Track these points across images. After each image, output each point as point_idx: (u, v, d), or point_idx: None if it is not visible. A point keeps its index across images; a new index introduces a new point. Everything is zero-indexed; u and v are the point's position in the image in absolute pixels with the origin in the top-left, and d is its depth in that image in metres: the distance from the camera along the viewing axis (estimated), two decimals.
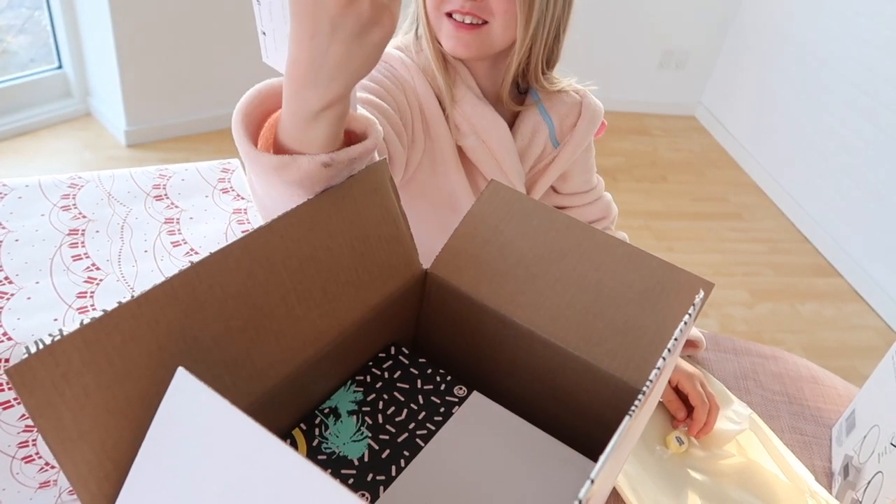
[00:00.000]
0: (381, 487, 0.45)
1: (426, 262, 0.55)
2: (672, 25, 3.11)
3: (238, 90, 0.50)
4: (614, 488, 0.69)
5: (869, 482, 0.70)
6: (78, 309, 0.56)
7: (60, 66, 2.46)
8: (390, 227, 0.51)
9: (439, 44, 0.80)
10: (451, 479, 0.46)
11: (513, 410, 0.52)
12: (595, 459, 0.48)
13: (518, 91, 0.90)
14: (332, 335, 0.46)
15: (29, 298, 0.57)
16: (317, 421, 0.49)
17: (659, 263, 0.51)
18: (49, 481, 0.59)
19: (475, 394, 0.53)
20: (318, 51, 0.40)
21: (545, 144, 0.91)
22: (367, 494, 0.45)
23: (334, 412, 0.50)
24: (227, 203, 0.72)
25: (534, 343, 0.51)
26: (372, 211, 0.49)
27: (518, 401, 0.53)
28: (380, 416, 0.50)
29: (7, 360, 0.52)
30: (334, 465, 0.46)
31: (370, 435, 0.48)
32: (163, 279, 0.37)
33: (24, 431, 0.55)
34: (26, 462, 0.57)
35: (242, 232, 0.67)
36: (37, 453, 0.57)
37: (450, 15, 0.76)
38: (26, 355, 0.31)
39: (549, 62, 0.86)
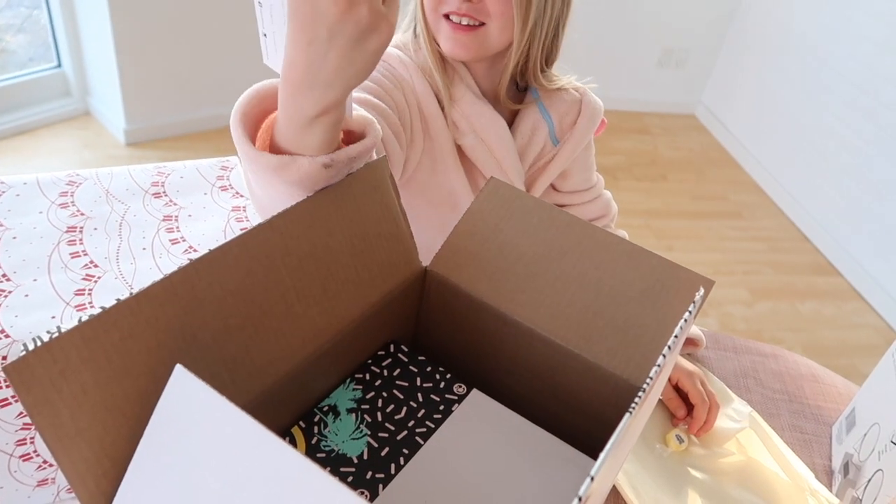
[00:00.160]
0: (381, 485, 0.45)
1: (426, 261, 0.55)
2: (672, 24, 3.11)
3: (237, 89, 0.50)
4: (614, 486, 0.69)
5: (869, 480, 0.69)
6: (76, 307, 0.56)
7: (59, 65, 2.45)
8: (390, 225, 0.51)
9: (437, 44, 0.80)
10: (451, 477, 0.46)
11: (512, 408, 0.52)
12: (595, 457, 0.48)
13: (517, 89, 0.90)
14: (332, 333, 0.46)
15: (27, 296, 0.56)
16: (316, 419, 0.49)
17: (659, 261, 0.51)
18: (47, 479, 0.59)
19: (475, 392, 0.53)
20: (316, 56, 0.40)
21: (545, 142, 0.90)
22: (366, 492, 0.45)
23: (333, 410, 0.50)
24: (225, 201, 0.72)
25: (533, 341, 0.51)
26: (372, 208, 0.49)
27: (518, 399, 0.53)
28: (379, 414, 0.50)
29: (5, 358, 0.52)
30: (333, 463, 0.46)
31: (369, 433, 0.48)
32: (161, 276, 0.36)
33: (22, 429, 0.55)
34: (24, 460, 0.57)
35: (241, 230, 0.67)
36: (35, 451, 0.57)
37: (447, 17, 0.76)
38: (24, 352, 0.31)
39: (548, 60, 0.86)
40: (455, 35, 0.77)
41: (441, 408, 0.51)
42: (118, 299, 0.34)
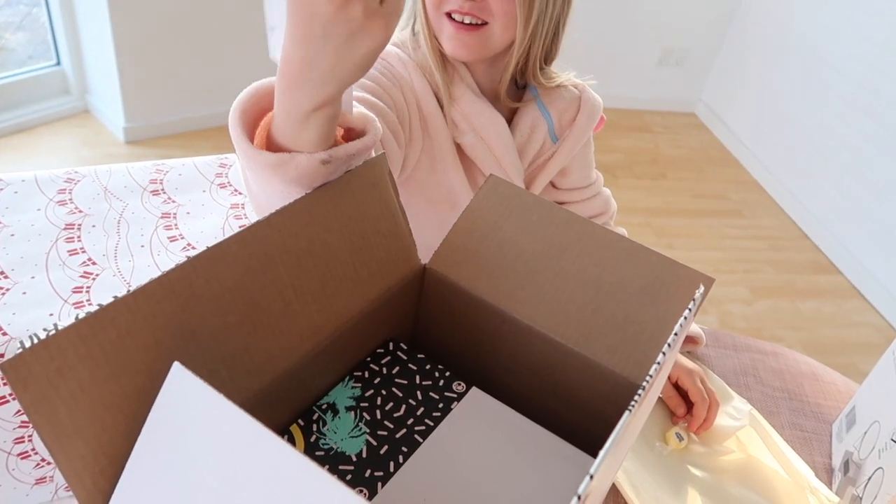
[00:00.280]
0: (380, 483, 0.45)
1: (425, 259, 0.55)
2: (673, 22, 3.11)
3: (237, 87, 0.50)
4: (614, 485, 0.69)
5: (869, 478, 0.69)
6: (74, 304, 0.56)
7: (59, 63, 2.45)
8: (389, 222, 0.50)
9: (438, 43, 0.80)
10: (450, 475, 0.46)
11: (512, 406, 0.52)
12: (594, 455, 0.48)
13: (516, 87, 0.90)
14: (330, 330, 0.46)
15: (24, 293, 0.56)
16: (315, 417, 0.49)
17: (659, 259, 0.51)
18: (45, 477, 0.59)
19: (474, 390, 0.53)
20: (311, 53, 0.40)
21: (544, 140, 0.90)
22: (364, 490, 0.45)
23: (332, 408, 0.50)
24: (224, 198, 0.72)
25: (533, 338, 0.51)
26: (370, 206, 0.49)
27: (517, 397, 0.53)
28: (378, 412, 0.50)
29: (2, 356, 0.52)
30: (332, 461, 0.46)
31: (368, 431, 0.48)
32: (159, 274, 0.36)
33: (19, 427, 0.55)
34: (22, 458, 0.56)
35: (240, 227, 0.66)
36: (33, 449, 0.57)
37: (449, 15, 0.76)
38: (21, 350, 0.31)
39: (547, 59, 0.86)
40: (458, 34, 0.76)
41: (440, 406, 0.51)
42: (115, 297, 0.34)
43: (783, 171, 2.80)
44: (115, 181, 0.71)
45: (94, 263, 0.60)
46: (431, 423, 0.49)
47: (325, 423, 0.49)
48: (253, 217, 0.69)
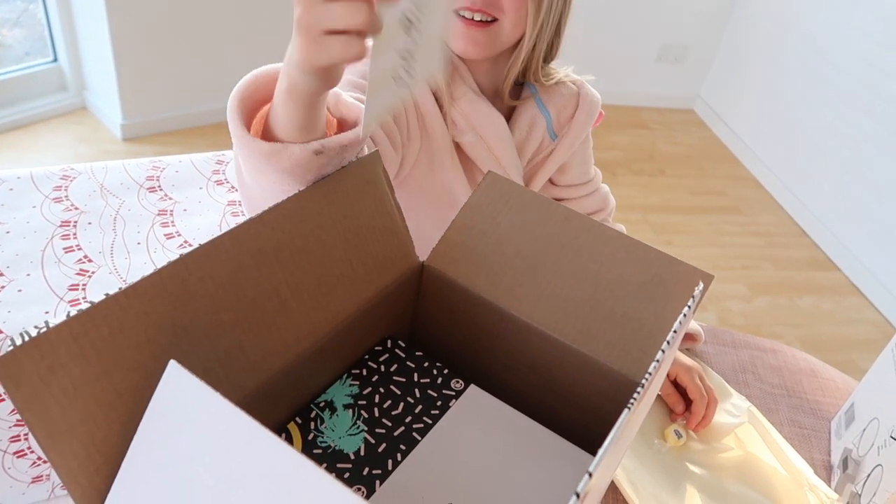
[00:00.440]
0: (377, 482, 0.45)
1: (425, 258, 0.54)
2: (671, 19, 3.10)
3: (233, 84, 0.50)
4: (612, 482, 0.69)
5: (868, 475, 0.69)
6: (70, 301, 0.56)
7: (56, 60, 2.44)
8: (385, 219, 0.50)
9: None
10: (448, 473, 0.46)
11: (510, 404, 0.51)
12: (593, 453, 0.48)
13: (515, 84, 0.89)
14: (327, 328, 0.46)
15: (20, 291, 0.56)
16: (312, 415, 0.49)
17: (657, 255, 0.51)
18: (42, 476, 0.58)
19: (472, 387, 0.52)
20: (295, 39, 0.41)
21: (543, 137, 0.90)
22: (362, 489, 0.44)
23: (330, 406, 0.49)
24: (221, 195, 0.71)
25: (531, 336, 0.50)
26: (365, 202, 0.49)
27: (515, 394, 0.53)
28: (376, 410, 0.49)
29: None
30: (330, 459, 0.46)
31: (366, 429, 0.48)
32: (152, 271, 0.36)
33: (15, 426, 0.55)
34: (18, 457, 0.56)
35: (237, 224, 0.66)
36: (29, 448, 0.56)
37: (458, 14, 0.76)
38: (12, 347, 0.30)
39: (549, 56, 0.85)
40: (468, 31, 0.76)
41: (438, 403, 0.50)
42: (107, 294, 0.34)
43: (782, 168, 2.79)
44: (111, 178, 0.70)
45: (90, 261, 0.60)
46: (430, 421, 0.49)
47: (322, 421, 0.48)
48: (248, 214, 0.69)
